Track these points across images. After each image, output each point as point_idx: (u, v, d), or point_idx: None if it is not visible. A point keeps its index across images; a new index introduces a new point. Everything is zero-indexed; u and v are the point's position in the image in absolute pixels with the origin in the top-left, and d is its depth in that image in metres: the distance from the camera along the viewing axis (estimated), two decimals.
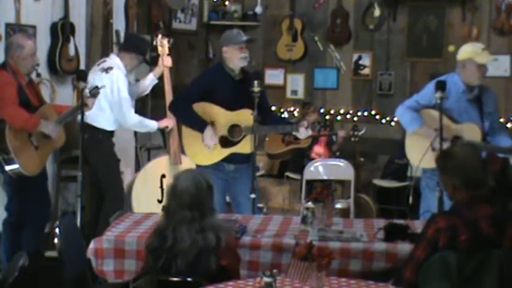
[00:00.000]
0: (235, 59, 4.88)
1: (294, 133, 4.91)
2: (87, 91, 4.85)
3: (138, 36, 6.10)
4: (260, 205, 5.17)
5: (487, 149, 4.69)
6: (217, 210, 4.70)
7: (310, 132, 4.76)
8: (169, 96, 5.68)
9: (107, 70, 5.43)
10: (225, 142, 4.92)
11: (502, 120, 7.06)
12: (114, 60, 5.54)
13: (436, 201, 4.45)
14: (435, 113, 4.66)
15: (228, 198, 5.18)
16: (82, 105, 4.71)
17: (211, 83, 4.96)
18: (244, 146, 4.86)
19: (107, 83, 5.29)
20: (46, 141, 4.96)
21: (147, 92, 5.93)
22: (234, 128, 4.91)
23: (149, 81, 5.84)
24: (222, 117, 4.92)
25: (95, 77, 5.34)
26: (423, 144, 4.67)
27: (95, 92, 4.97)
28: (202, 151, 4.94)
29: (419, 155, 4.64)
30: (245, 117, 4.77)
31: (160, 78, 5.80)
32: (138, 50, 5.61)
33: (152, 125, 5.66)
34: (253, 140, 4.61)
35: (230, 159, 4.90)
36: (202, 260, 3.16)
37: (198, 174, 3.33)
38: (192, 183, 3.24)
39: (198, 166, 5.01)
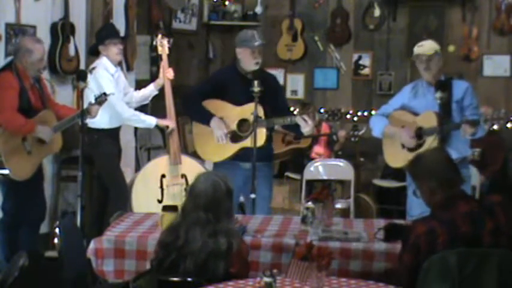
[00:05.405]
0: (247, 62, 4.87)
1: (301, 129, 4.78)
2: (92, 100, 4.84)
3: (98, 30, 6.07)
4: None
5: (439, 130, 4.63)
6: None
7: (310, 123, 4.68)
8: (170, 110, 5.68)
9: (91, 71, 5.48)
10: (234, 137, 4.92)
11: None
12: (100, 60, 5.57)
13: None
14: (398, 113, 4.85)
15: (241, 198, 5.10)
16: (82, 112, 4.67)
17: (222, 80, 4.98)
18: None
19: (92, 83, 5.33)
20: (40, 146, 4.93)
21: (147, 102, 5.94)
22: (243, 122, 4.89)
23: (149, 91, 5.85)
24: (230, 112, 4.90)
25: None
26: (395, 144, 4.78)
27: (101, 99, 4.93)
28: (213, 147, 4.94)
29: (393, 155, 4.81)
30: (253, 111, 4.66)
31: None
32: (102, 39, 5.57)
33: (150, 120, 5.66)
34: (253, 139, 4.60)
35: (245, 157, 4.78)
36: (211, 263, 3.16)
37: (218, 177, 3.31)
38: (211, 185, 3.24)
39: (215, 164, 5.02)
